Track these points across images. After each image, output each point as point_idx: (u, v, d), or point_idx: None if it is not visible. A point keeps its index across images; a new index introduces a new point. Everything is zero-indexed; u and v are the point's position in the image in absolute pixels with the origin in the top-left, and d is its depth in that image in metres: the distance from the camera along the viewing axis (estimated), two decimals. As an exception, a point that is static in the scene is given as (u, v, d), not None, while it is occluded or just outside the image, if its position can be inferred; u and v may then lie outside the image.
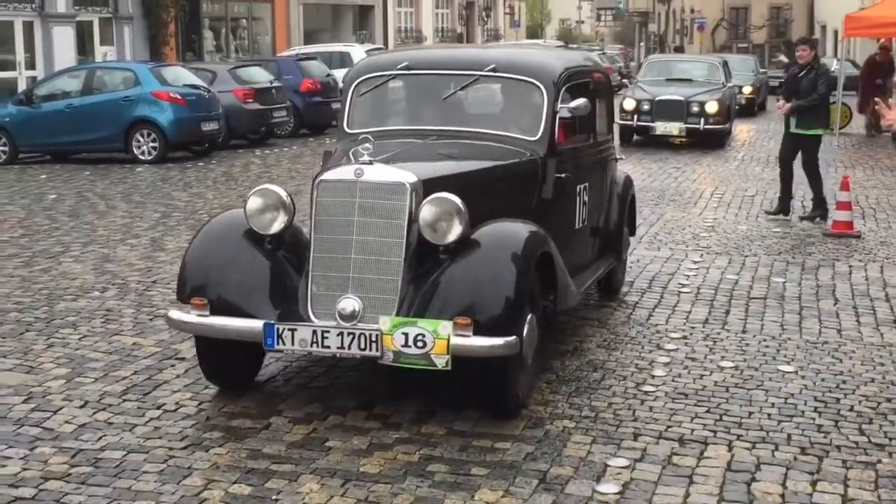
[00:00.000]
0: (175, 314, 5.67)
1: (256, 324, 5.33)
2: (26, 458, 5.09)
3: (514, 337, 5.16)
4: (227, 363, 5.89)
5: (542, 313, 5.92)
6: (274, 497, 4.65)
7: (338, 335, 5.20)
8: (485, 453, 5.16)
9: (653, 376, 6.35)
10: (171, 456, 5.12)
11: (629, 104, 20.18)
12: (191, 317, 5.55)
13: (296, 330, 5.25)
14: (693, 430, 5.49)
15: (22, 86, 24.36)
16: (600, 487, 4.77)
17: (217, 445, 5.23)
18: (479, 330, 5.13)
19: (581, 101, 6.62)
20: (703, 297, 8.37)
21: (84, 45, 27.73)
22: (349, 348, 5.18)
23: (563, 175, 6.59)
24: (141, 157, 18.23)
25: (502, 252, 5.44)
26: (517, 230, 5.68)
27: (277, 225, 5.69)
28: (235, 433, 5.38)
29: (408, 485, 4.77)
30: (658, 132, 20.04)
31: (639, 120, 20.09)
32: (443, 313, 5.19)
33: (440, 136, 6.66)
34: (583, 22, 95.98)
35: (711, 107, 19.80)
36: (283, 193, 5.75)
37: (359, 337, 5.17)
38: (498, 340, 5.11)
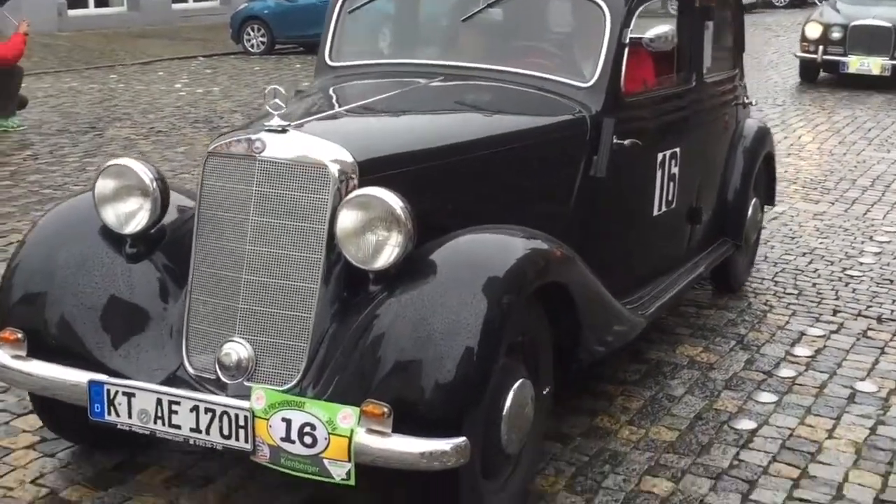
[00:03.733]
0: None
1: (80, 379, 3.41)
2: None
3: (463, 438, 3.08)
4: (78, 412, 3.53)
5: (562, 371, 3.87)
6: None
7: (191, 410, 3.25)
8: (688, 317, 5.64)
9: (860, 263, 6.64)
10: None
11: (813, 30, 14.85)
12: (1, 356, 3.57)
13: (133, 395, 3.32)
14: (893, 311, 5.80)
15: (278, -19, 25.85)
16: (794, 350, 5.19)
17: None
18: (405, 424, 3.08)
19: (663, 29, 4.50)
20: (925, 197, 8.46)
21: (336, -57, 28.90)
22: (207, 432, 3.23)
23: (627, 142, 4.41)
24: (386, 49, 19.13)
25: (465, 286, 3.26)
26: (501, 246, 3.52)
27: (140, 220, 3.70)
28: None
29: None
30: (851, 70, 14.52)
31: (825, 53, 14.71)
32: (350, 392, 3.18)
33: (450, 76, 4.60)
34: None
35: None
36: (147, 172, 3.70)
37: (220, 416, 3.21)
38: (436, 443, 3.05)
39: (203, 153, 3.55)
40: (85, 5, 22.84)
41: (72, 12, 22.20)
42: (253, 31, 19.78)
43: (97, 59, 17.88)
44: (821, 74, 15.25)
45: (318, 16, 19.07)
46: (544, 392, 3.74)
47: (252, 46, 19.70)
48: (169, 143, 10.29)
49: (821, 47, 14.76)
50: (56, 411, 3.84)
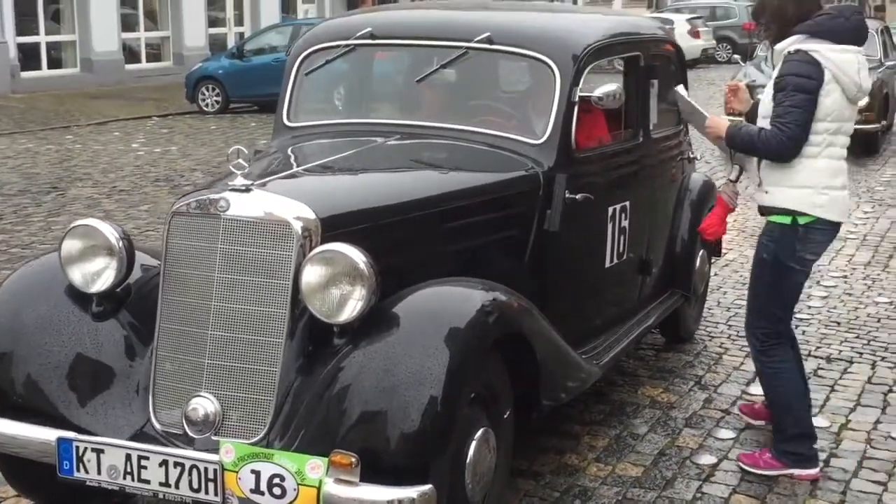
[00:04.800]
0: None
1: (49, 436, 3.47)
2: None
3: (429, 486, 3.18)
4: (46, 474, 3.59)
5: (522, 416, 3.94)
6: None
7: (160, 465, 3.32)
8: (648, 360, 5.89)
9: (809, 307, 6.92)
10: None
11: None
12: None
13: (102, 451, 3.38)
14: (841, 351, 6.09)
15: (231, 40, 26.25)
16: (749, 389, 5.43)
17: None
18: (373, 473, 3.17)
19: (611, 87, 4.55)
20: (869, 244, 8.82)
21: (287, 3, 29.35)
22: (176, 486, 3.30)
23: (579, 196, 4.55)
24: (340, 108, 19.42)
25: (428, 337, 3.39)
26: (461, 298, 3.62)
27: (106, 279, 3.79)
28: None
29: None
30: None
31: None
32: (316, 444, 3.28)
33: (406, 134, 4.74)
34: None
35: None
36: (113, 232, 3.81)
37: (189, 470, 3.28)
38: (403, 492, 3.14)
39: (167, 211, 3.69)
40: (38, 67, 22.95)
41: (24, 74, 22.30)
42: (208, 90, 20.03)
43: (52, 119, 17.99)
44: None
45: (271, 75, 19.54)
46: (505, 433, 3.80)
47: (207, 106, 19.93)
48: (132, 201, 10.44)
49: None
50: (23, 471, 3.84)
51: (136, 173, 12.35)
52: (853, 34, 4.26)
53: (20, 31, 22.28)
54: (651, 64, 5.44)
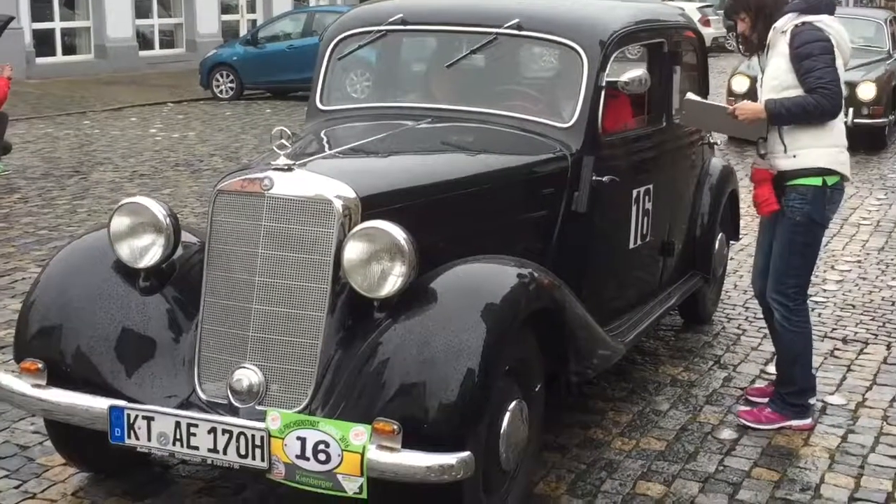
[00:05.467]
0: (2, 378, 3.86)
1: (100, 405, 3.63)
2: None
3: (467, 452, 3.33)
4: (93, 442, 3.89)
5: (551, 390, 4.13)
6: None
7: (209, 432, 3.46)
8: (668, 340, 6.03)
9: (825, 290, 7.08)
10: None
11: (740, 84, 13.19)
12: (20, 385, 3.79)
13: (153, 419, 3.52)
14: (856, 332, 6.23)
15: (243, 27, 26.38)
16: (768, 368, 5.57)
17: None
18: (414, 440, 3.31)
19: (637, 72, 4.70)
20: (882, 229, 8.95)
21: (299, -10, 29.47)
22: (224, 452, 3.43)
23: (605, 178, 4.65)
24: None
25: (465, 311, 3.55)
26: (497, 274, 3.79)
27: (153, 255, 3.94)
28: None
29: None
30: None
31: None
32: (357, 413, 3.42)
33: (437, 118, 4.87)
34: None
35: (866, 90, 12.67)
36: (161, 210, 3.97)
37: (237, 437, 3.42)
38: (443, 458, 3.29)
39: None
40: (53, 53, 23.05)
41: (40, 60, 22.40)
42: (222, 77, 20.11)
43: (68, 105, 18.09)
44: None
45: (285, 62, 19.72)
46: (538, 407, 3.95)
47: (221, 92, 20.01)
48: (154, 185, 10.56)
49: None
50: (71, 439, 4.03)
51: (156, 158, 12.49)
52: (830, 8, 4.70)
53: (35, 18, 22.36)
54: (674, 50, 5.55)
